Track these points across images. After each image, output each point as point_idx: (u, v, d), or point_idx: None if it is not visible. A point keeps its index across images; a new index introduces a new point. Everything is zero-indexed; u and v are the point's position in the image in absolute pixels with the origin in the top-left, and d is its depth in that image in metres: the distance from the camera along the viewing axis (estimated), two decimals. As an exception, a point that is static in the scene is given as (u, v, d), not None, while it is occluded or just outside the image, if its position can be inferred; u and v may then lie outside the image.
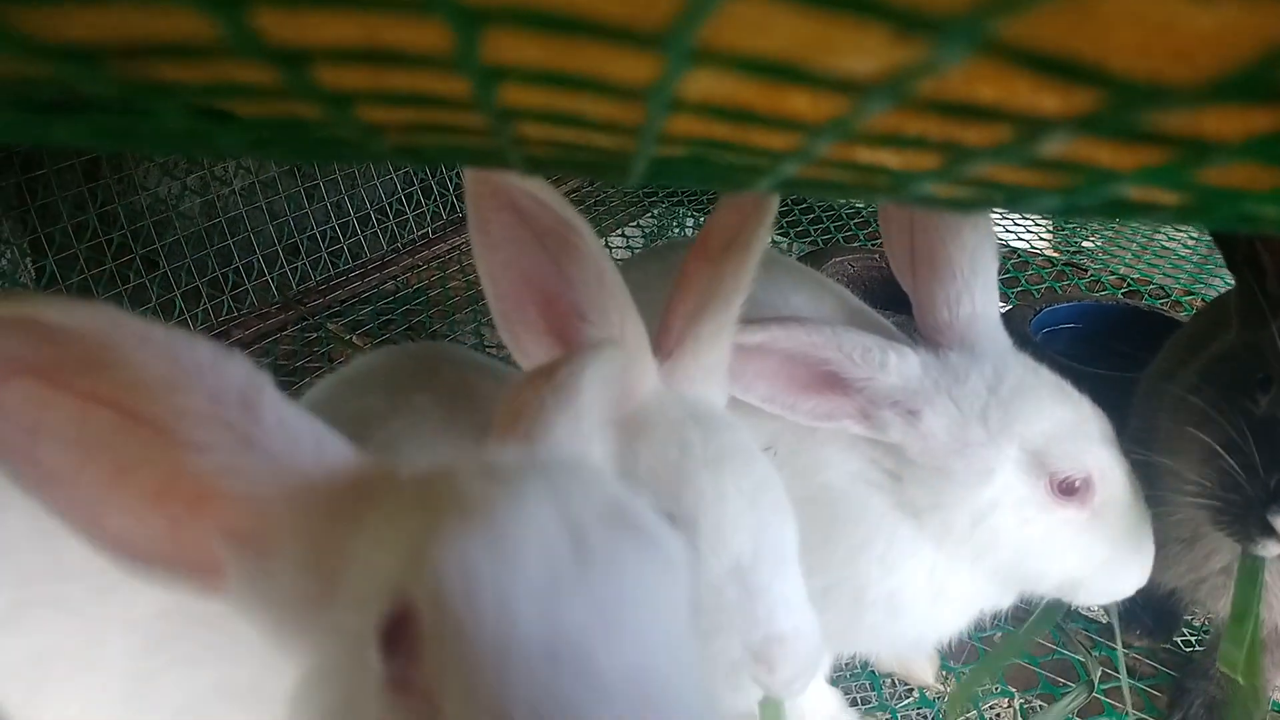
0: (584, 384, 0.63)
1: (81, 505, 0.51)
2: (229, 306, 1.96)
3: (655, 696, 0.42)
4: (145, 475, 0.51)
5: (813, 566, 0.86)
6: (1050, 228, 2.76)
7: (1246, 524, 0.95)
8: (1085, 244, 2.75)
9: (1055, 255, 2.58)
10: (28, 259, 1.77)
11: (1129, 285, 2.30)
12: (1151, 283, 2.33)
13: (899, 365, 0.99)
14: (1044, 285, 2.31)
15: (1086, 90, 0.27)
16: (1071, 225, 2.79)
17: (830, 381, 1.01)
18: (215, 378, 0.50)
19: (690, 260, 0.93)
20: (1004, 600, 1.08)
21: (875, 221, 2.61)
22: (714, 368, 0.92)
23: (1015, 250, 2.47)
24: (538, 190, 0.80)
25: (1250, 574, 1.02)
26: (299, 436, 0.53)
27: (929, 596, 1.05)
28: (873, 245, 2.39)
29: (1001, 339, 1.05)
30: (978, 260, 1.03)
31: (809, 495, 1.03)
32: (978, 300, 1.03)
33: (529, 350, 0.88)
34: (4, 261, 1.74)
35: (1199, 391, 1.10)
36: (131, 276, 1.84)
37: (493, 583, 0.43)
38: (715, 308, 0.90)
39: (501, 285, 0.86)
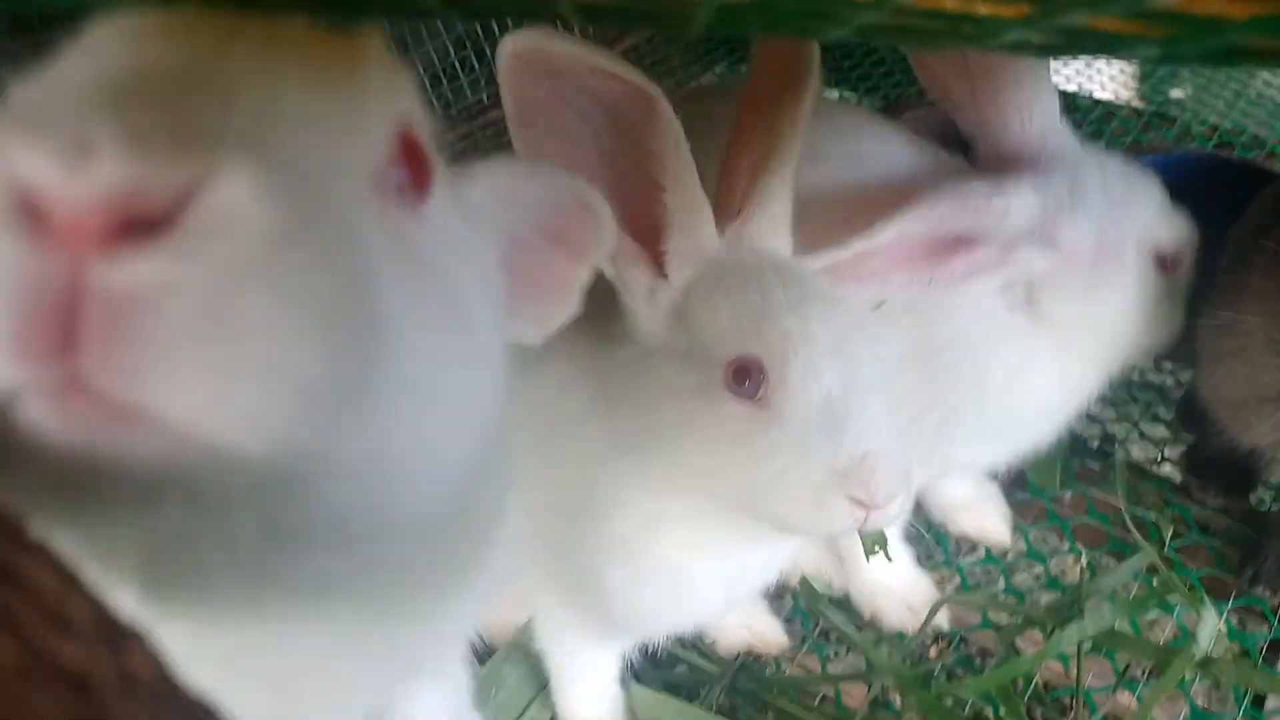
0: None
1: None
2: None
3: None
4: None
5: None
6: (1135, 75, 2.62)
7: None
8: (1174, 93, 2.60)
9: (1141, 106, 2.45)
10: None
11: (1220, 136, 2.18)
12: (1245, 134, 2.21)
13: (1021, 205, 1.06)
14: (1129, 138, 2.21)
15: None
16: (1159, 73, 2.64)
17: (961, 242, 1.05)
18: None
19: (742, 116, 0.92)
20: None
21: (949, 73, 2.50)
22: (779, 219, 0.91)
23: (1098, 101, 2.35)
24: (603, 61, 0.78)
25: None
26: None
27: (1053, 393, 1.16)
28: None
29: (1072, 141, 1.14)
30: (1036, 67, 1.10)
31: (942, 342, 1.12)
32: (1046, 108, 1.11)
33: None
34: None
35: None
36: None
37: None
38: (775, 161, 0.89)
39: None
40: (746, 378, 0.84)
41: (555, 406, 0.96)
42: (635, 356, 0.91)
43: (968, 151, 1.16)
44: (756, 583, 1.05)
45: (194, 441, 0.36)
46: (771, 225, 0.91)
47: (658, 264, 0.88)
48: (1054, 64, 2.57)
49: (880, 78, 2.51)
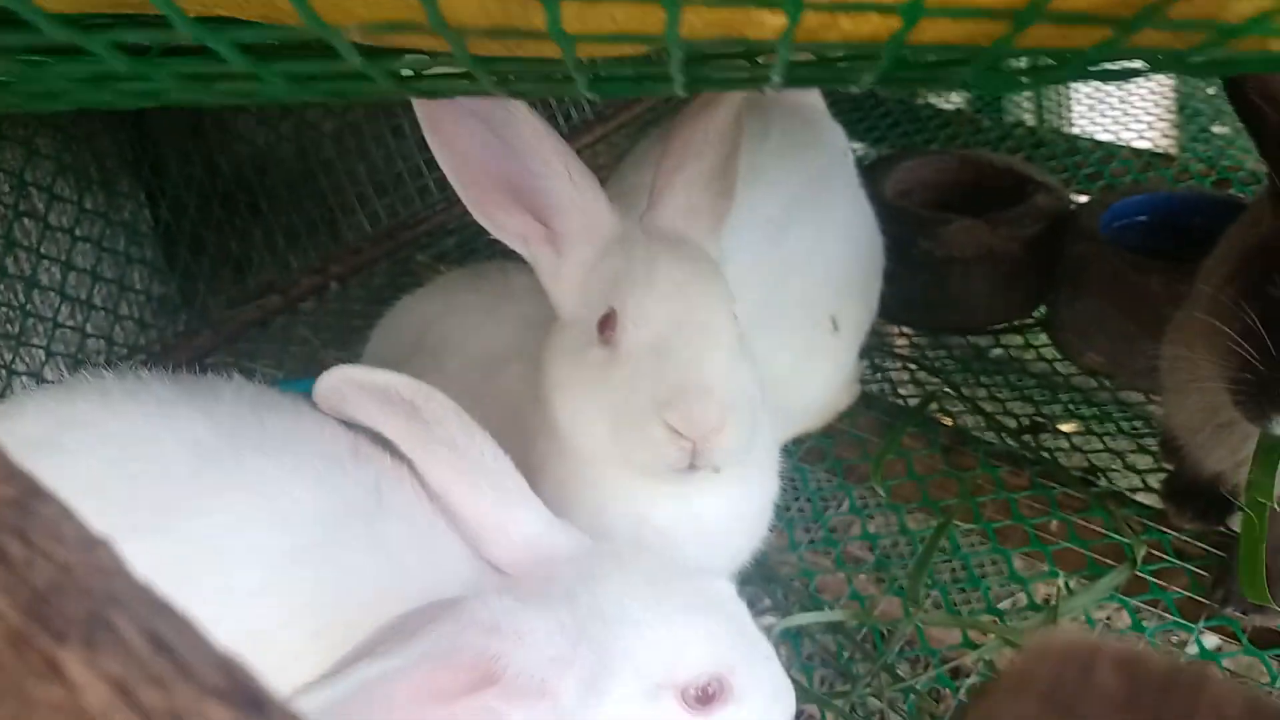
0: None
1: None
2: (326, 244, 2.11)
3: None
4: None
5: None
6: (1176, 122, 2.63)
7: (1260, 404, 0.98)
8: (1216, 128, 2.60)
9: (1150, 147, 2.47)
10: (145, 209, 1.94)
11: (1219, 173, 2.23)
12: (1242, 169, 2.26)
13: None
14: (1128, 178, 2.27)
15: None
16: (1202, 115, 2.65)
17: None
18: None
19: (675, 124, 1.07)
20: None
21: (956, 121, 2.59)
22: (694, 210, 1.06)
23: (1099, 143, 2.42)
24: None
25: (1268, 452, 1.05)
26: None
27: None
28: (952, 148, 2.39)
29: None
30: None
31: None
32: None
33: (505, 224, 1.04)
34: (125, 214, 1.91)
35: (1232, 282, 1.12)
36: (237, 222, 2.00)
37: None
38: (690, 157, 1.05)
39: (464, 176, 1.01)
40: (606, 326, 0.98)
41: (510, 397, 1.10)
42: (550, 332, 1.05)
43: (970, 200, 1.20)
44: (695, 563, 1.08)
45: None
46: (681, 213, 1.05)
47: (558, 245, 1.03)
48: (1089, 112, 2.64)
49: (887, 128, 2.61)
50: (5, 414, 0.96)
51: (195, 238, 1.95)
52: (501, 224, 1.04)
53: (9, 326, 1.70)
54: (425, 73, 0.67)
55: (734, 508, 1.09)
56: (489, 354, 1.20)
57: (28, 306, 1.71)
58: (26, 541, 0.31)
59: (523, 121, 0.98)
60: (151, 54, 0.55)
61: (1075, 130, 2.60)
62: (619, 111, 2.51)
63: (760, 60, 0.63)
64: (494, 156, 1.00)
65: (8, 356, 1.69)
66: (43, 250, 1.73)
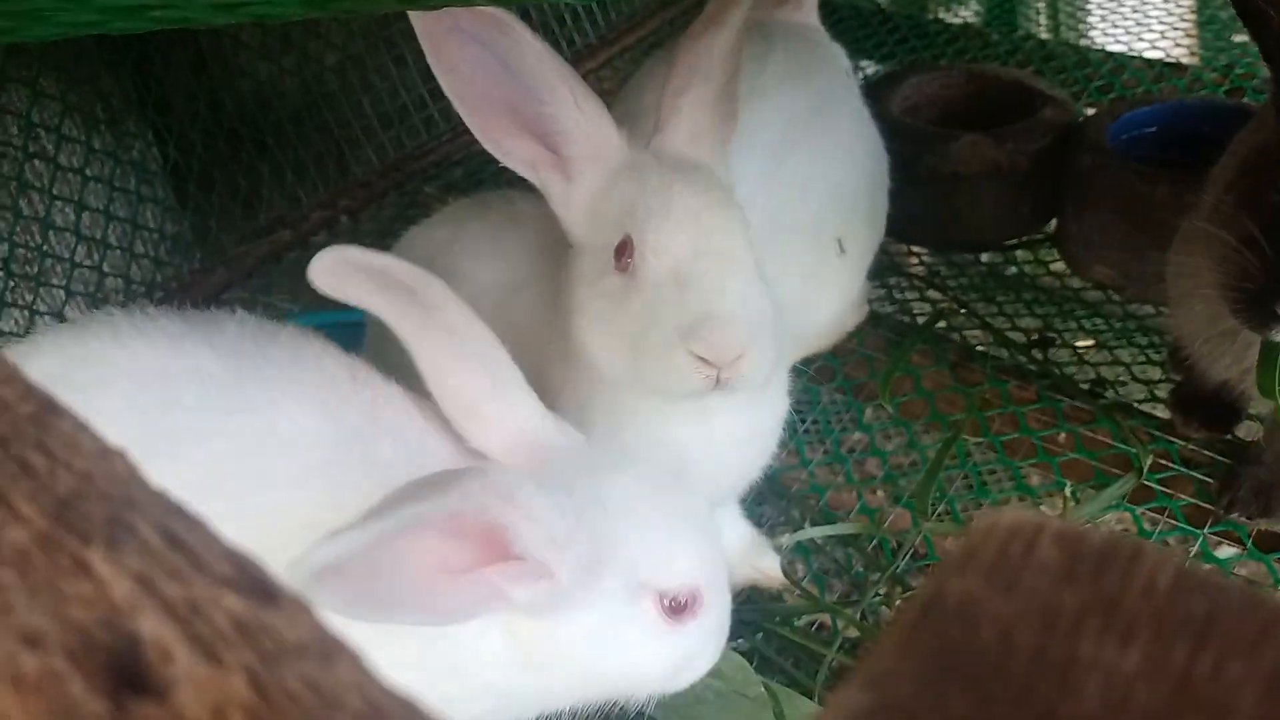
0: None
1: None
2: (334, 178, 2.11)
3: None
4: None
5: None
6: (1191, 30, 2.56)
7: (1259, 312, 0.99)
8: (1236, 37, 2.54)
9: (1172, 57, 2.42)
10: (154, 148, 1.95)
11: (1232, 82, 2.19)
12: (1256, 77, 2.22)
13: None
14: (1140, 89, 2.23)
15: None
16: (1221, 19, 2.59)
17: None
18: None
19: (678, 47, 1.07)
20: None
21: (965, 36, 2.55)
22: (700, 134, 1.06)
23: (1110, 54, 2.38)
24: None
25: (1269, 359, 1.06)
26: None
27: None
28: (959, 63, 2.36)
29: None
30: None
31: None
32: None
33: (511, 150, 1.04)
34: (134, 152, 1.92)
35: (1232, 189, 1.12)
36: (244, 158, 2.01)
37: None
38: (695, 80, 1.04)
39: (469, 103, 1.01)
40: (623, 253, 0.98)
41: (525, 323, 1.11)
42: (569, 258, 1.06)
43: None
44: (711, 479, 1.12)
45: None
46: (688, 137, 1.05)
47: (566, 170, 1.03)
48: (1100, 23, 2.59)
49: (895, 45, 2.57)
50: (22, 354, 0.99)
51: (204, 175, 1.96)
52: (508, 150, 1.04)
53: (29, 268, 1.73)
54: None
55: (748, 426, 1.12)
56: (499, 282, 1.22)
57: (44, 247, 1.73)
58: (47, 453, 0.33)
59: (525, 46, 0.97)
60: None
61: (1089, 41, 2.55)
62: (623, 35, 2.49)
63: None
64: (498, 82, 1.00)
65: (29, 297, 1.72)
66: (55, 191, 1.74)
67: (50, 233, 1.74)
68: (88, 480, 0.32)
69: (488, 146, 1.04)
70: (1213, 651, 0.25)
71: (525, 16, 2.36)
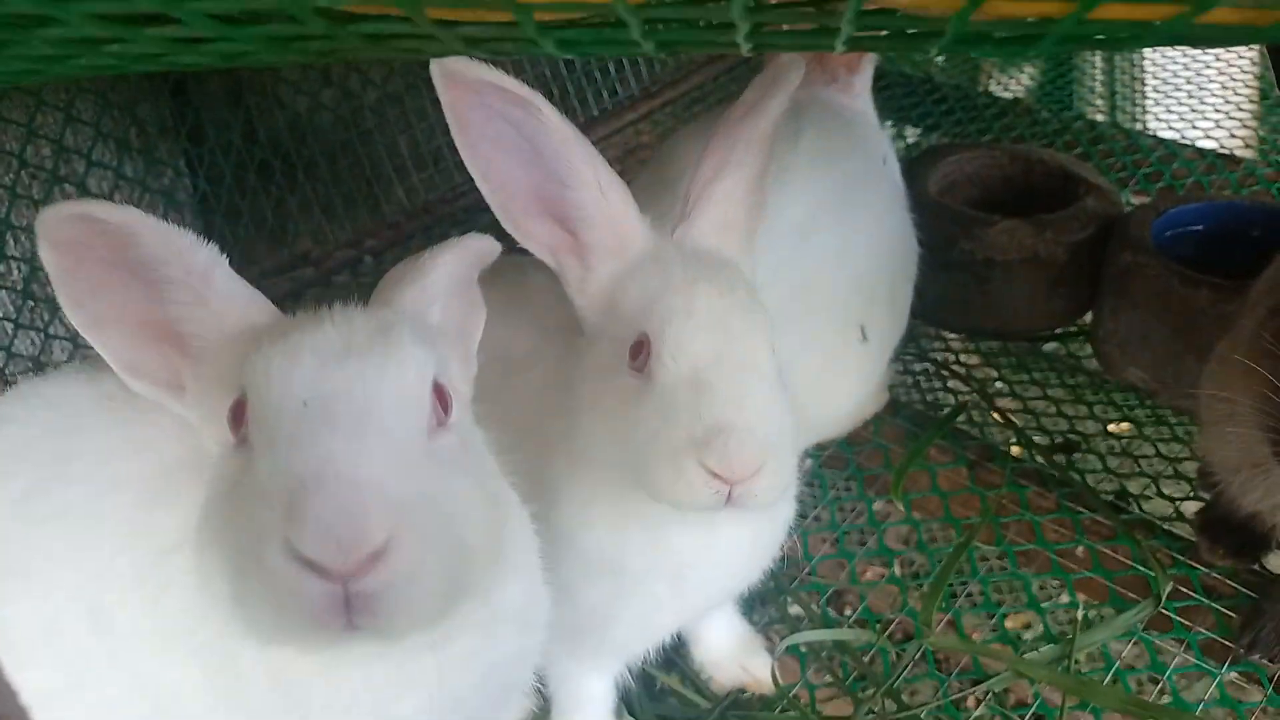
0: (436, 265, 0.88)
1: (101, 333, 0.84)
2: (362, 217, 2.10)
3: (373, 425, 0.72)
4: (139, 314, 0.83)
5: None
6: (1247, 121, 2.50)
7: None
8: None
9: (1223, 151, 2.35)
10: (185, 178, 1.94)
11: (1289, 179, 2.13)
12: (1315, 176, 2.15)
13: None
14: (1190, 179, 2.17)
15: None
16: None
17: None
18: (190, 256, 0.80)
19: (714, 130, 1.02)
20: None
21: (1013, 112, 2.50)
22: (729, 226, 1.02)
23: (1161, 140, 2.32)
24: (492, 75, 0.90)
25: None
26: (236, 298, 0.82)
27: None
28: (1003, 141, 2.31)
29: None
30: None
31: None
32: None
33: (532, 233, 1.00)
34: (164, 181, 1.92)
35: (1274, 318, 1.07)
36: (273, 191, 2.00)
37: (279, 370, 0.74)
38: (729, 170, 1.00)
39: (492, 180, 0.97)
40: (640, 352, 0.93)
41: (529, 405, 1.06)
42: (581, 347, 1.01)
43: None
44: (708, 586, 1.09)
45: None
46: (716, 228, 1.01)
47: (585, 257, 0.99)
48: (1154, 107, 2.53)
49: (940, 115, 2.53)
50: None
51: (232, 206, 1.95)
52: (529, 232, 1.00)
53: (49, 289, 1.72)
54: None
55: (752, 537, 1.06)
56: (507, 356, 1.18)
57: (63, 273, 1.72)
58: None
59: (552, 127, 0.93)
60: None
61: (1140, 125, 2.49)
62: (665, 89, 2.46)
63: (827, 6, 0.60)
64: (521, 162, 0.97)
65: (46, 318, 1.72)
66: (80, 217, 1.74)
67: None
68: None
69: (507, 226, 1.00)
70: None
71: (569, 65, 2.37)
